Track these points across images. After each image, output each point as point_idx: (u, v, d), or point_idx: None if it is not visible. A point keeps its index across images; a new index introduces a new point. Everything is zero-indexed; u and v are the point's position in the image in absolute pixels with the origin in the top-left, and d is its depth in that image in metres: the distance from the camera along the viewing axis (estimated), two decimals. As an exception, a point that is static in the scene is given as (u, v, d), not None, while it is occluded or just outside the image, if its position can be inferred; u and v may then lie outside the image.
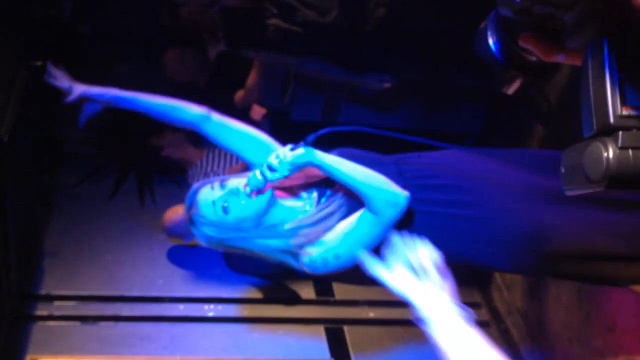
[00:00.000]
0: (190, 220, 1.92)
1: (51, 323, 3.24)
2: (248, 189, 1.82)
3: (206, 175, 3.74)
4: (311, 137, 1.78)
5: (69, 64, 4.33)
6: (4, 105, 2.98)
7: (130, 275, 3.51)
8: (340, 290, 3.62)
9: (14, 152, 3.06)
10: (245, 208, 1.83)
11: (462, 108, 3.66)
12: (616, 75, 0.94)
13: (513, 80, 1.39)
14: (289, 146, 1.79)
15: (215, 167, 3.85)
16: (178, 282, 3.51)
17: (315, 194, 1.92)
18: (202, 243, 1.96)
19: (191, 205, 1.91)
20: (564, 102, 3.22)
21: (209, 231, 1.89)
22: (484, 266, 2.01)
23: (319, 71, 3.18)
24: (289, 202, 1.91)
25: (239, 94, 3.93)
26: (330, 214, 1.86)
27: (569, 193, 1.03)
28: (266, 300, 3.52)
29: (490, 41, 1.30)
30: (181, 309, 3.39)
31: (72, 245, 3.60)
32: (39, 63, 3.43)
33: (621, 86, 0.94)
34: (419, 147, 1.94)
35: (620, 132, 0.94)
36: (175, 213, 3.51)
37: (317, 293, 3.60)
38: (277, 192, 1.90)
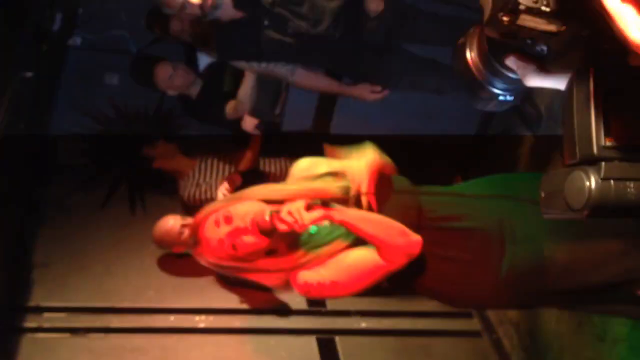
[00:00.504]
0: (196, 239, 1.90)
1: (40, 335, 3.22)
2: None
3: (198, 185, 3.72)
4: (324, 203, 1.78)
5: (59, 75, 4.37)
6: (-6, 116, 2.97)
7: (121, 286, 3.49)
8: (332, 301, 3.61)
9: (4, 163, 3.05)
10: (255, 245, 1.80)
11: (456, 111, 3.67)
12: (601, 106, 0.95)
13: (490, 98, 1.40)
14: (302, 202, 1.76)
15: (207, 178, 3.83)
16: (169, 293, 3.49)
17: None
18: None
19: (198, 228, 1.89)
20: (553, 110, 3.23)
21: (211, 257, 1.88)
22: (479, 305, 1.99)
23: (311, 83, 3.19)
24: None
25: (231, 105, 3.93)
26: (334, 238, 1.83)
27: (547, 217, 1.03)
28: (258, 311, 3.51)
29: (469, 58, 1.31)
30: (172, 320, 3.38)
31: (62, 256, 3.58)
32: (30, 74, 3.43)
33: (605, 117, 0.95)
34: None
35: (603, 163, 0.95)
36: (166, 223, 3.49)
37: (309, 303, 3.59)
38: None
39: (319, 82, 3.18)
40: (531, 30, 0.99)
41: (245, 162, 3.84)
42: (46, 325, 3.26)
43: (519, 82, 1.26)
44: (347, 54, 3.00)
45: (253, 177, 3.49)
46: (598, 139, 0.95)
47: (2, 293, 3.11)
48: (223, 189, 3.51)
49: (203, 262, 1.93)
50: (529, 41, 1.10)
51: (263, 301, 3.45)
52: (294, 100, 3.84)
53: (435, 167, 3.67)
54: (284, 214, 1.74)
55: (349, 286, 1.81)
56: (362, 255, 1.80)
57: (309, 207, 1.74)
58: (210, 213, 1.88)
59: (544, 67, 1.11)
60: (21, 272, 3.47)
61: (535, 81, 1.20)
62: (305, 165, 2.02)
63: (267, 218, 1.76)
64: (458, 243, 1.84)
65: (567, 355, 3.00)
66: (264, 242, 1.80)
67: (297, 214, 1.72)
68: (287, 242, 1.83)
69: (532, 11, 0.96)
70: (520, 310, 3.41)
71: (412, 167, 2.12)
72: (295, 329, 3.45)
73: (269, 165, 3.88)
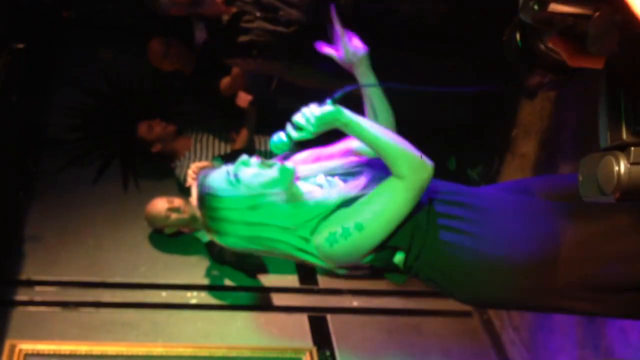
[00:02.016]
0: (201, 203, 1.71)
1: (31, 308, 3.21)
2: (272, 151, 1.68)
3: (194, 164, 3.71)
4: (337, 94, 1.66)
5: (52, 48, 4.33)
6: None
7: (113, 261, 3.48)
8: (324, 279, 3.61)
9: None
10: (256, 175, 1.67)
11: (451, 98, 3.66)
12: (632, 92, 0.97)
13: (538, 79, 1.42)
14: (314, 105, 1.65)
15: (203, 158, 3.82)
16: (161, 268, 3.49)
17: (337, 179, 1.77)
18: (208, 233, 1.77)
19: (202, 189, 1.71)
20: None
21: (218, 206, 1.68)
22: (483, 296, 1.81)
23: (305, 77, 3.15)
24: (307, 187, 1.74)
25: (225, 81, 3.91)
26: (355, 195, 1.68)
27: (586, 200, 1.06)
28: (250, 288, 3.51)
29: (518, 42, 1.33)
30: (164, 296, 3.38)
31: (54, 230, 3.57)
32: (22, 46, 3.40)
33: (635, 104, 0.97)
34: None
35: (632, 148, 0.97)
36: (161, 204, 3.49)
37: (301, 281, 3.60)
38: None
39: (314, 77, 3.12)
40: (563, 16, 1.01)
41: (240, 142, 3.82)
42: (37, 298, 3.25)
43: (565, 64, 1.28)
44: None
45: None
46: (628, 124, 0.98)
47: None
48: None
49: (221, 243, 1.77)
50: (565, 25, 1.11)
51: None
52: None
53: (431, 148, 3.67)
54: (295, 118, 1.64)
55: (376, 225, 1.65)
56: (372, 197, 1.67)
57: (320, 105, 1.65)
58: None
59: (586, 49, 1.12)
60: (13, 246, 3.46)
61: (580, 62, 1.22)
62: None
63: (284, 137, 1.66)
64: None
65: (558, 333, 3.02)
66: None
67: (309, 112, 1.63)
68: None
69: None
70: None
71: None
72: (287, 307, 3.46)
73: (264, 143, 3.87)
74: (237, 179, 1.66)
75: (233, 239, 1.70)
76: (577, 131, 2.99)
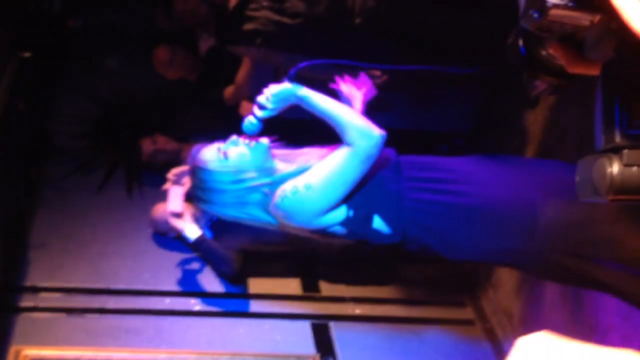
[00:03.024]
0: (192, 173, 1.98)
1: (36, 314, 3.23)
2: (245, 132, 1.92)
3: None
4: (293, 71, 1.90)
5: (58, 57, 4.37)
6: (-8, 95, 2.98)
7: (117, 268, 3.50)
8: (327, 287, 3.63)
9: (2, 143, 3.06)
10: (244, 155, 1.91)
11: (452, 105, 3.68)
12: (627, 96, 1.00)
13: (539, 83, 1.46)
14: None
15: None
16: (164, 275, 3.51)
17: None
18: (198, 204, 2.02)
19: (194, 161, 1.99)
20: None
21: (208, 178, 1.95)
22: (476, 257, 2.00)
23: (309, 68, 3.18)
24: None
25: (229, 90, 3.94)
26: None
27: (583, 200, 1.10)
28: (252, 295, 3.53)
29: (521, 47, 1.38)
30: (167, 303, 3.39)
31: (58, 237, 3.60)
32: (28, 54, 3.44)
33: (629, 108, 1.00)
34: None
35: (625, 151, 1.00)
36: (162, 209, 3.51)
37: (304, 289, 3.62)
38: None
39: (318, 68, 3.17)
40: (563, 24, 1.05)
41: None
42: (42, 305, 3.27)
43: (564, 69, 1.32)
44: (345, 37, 3.00)
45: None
46: (622, 127, 1.00)
47: (-1, 272, 3.13)
48: None
49: (208, 211, 2.06)
50: (564, 33, 1.15)
51: None
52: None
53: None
54: (259, 98, 1.92)
55: (325, 186, 1.86)
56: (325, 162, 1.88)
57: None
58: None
59: (584, 55, 1.16)
60: (18, 253, 3.48)
61: (577, 68, 1.26)
62: None
63: (253, 119, 1.93)
64: None
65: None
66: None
67: (269, 91, 1.91)
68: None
69: (560, 7, 1.01)
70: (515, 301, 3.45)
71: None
72: (290, 314, 3.47)
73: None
74: (225, 157, 1.91)
75: (218, 207, 1.95)
76: (579, 140, 3.01)
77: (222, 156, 1.91)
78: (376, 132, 1.85)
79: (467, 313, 3.63)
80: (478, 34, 2.97)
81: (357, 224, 1.90)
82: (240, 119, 3.89)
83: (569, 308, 2.97)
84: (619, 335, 2.69)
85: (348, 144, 1.84)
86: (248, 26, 2.96)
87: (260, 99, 1.90)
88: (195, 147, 2.02)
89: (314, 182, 1.84)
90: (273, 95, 1.88)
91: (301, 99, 1.89)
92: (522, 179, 1.93)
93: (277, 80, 3.67)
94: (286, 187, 1.87)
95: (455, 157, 2.05)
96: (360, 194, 1.89)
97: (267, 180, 1.90)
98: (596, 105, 1.04)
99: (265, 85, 3.72)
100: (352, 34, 2.99)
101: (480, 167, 1.99)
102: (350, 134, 1.84)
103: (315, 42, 2.98)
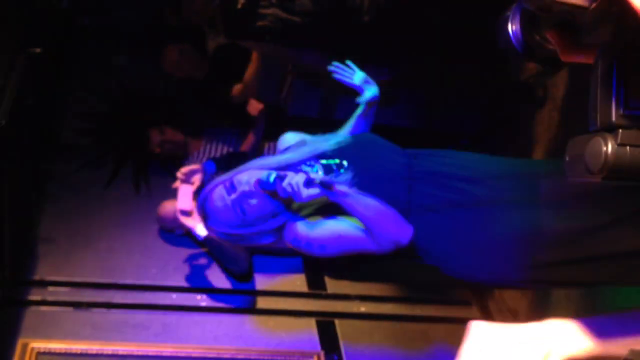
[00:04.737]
0: (204, 214, 1.97)
1: (44, 308, 3.25)
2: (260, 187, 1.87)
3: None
4: (328, 182, 1.81)
5: (67, 53, 4.39)
6: (2, 90, 2.99)
7: (124, 263, 3.52)
8: (333, 284, 3.64)
9: (12, 138, 3.07)
10: (261, 208, 1.89)
11: (459, 105, 3.69)
12: (623, 78, 1.01)
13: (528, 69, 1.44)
14: (303, 177, 1.80)
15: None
16: (171, 271, 3.53)
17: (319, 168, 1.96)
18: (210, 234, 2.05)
19: (205, 202, 1.97)
20: (558, 86, 3.23)
21: (221, 227, 1.96)
22: (477, 273, 1.95)
23: (317, 63, 3.20)
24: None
25: (237, 88, 3.96)
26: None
27: (570, 180, 1.10)
28: (258, 292, 3.54)
29: (510, 31, 1.36)
30: (174, 298, 3.41)
31: (66, 232, 3.62)
32: (38, 50, 3.45)
33: (626, 88, 1.01)
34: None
35: (620, 130, 1.01)
36: (170, 207, 3.53)
37: (310, 286, 3.63)
38: None
39: (325, 64, 3.18)
40: (563, 4, 1.05)
41: (245, 145, 3.87)
42: (50, 298, 3.30)
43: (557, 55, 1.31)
44: (353, 35, 3.01)
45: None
46: (617, 107, 1.01)
47: (8, 266, 3.14)
48: None
49: (214, 235, 2.04)
50: (564, 13, 1.14)
51: None
52: (299, 84, 3.86)
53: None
54: (285, 184, 1.81)
55: (338, 253, 1.92)
56: (348, 227, 1.88)
57: (308, 183, 1.79)
58: (216, 186, 1.96)
59: (578, 44, 1.16)
60: (27, 247, 3.51)
61: (571, 57, 1.25)
62: (290, 137, 2.16)
63: (272, 180, 1.83)
64: None
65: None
66: (269, 206, 1.89)
67: (296, 187, 1.79)
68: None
69: None
70: (519, 298, 3.45)
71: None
72: (295, 311, 3.48)
73: (273, 149, 3.91)
74: (242, 211, 1.88)
75: (225, 237, 1.99)
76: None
77: (238, 211, 1.90)
78: (405, 239, 1.86)
79: (473, 312, 3.63)
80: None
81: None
82: (247, 116, 3.94)
83: (574, 307, 2.98)
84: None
85: (375, 241, 1.86)
86: (257, 23, 2.98)
87: (287, 186, 1.82)
88: (205, 189, 2.00)
89: (329, 248, 1.90)
90: (308, 197, 1.81)
91: (335, 201, 1.86)
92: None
93: (284, 80, 3.71)
94: (300, 237, 1.91)
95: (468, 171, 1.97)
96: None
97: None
98: (591, 85, 1.04)
99: (273, 84, 3.76)
100: (361, 32, 3.00)
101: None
102: (380, 241, 1.86)
103: (323, 39, 3.00)
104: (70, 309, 3.26)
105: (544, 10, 1.10)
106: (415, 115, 3.94)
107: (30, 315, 3.20)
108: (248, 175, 1.91)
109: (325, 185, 1.79)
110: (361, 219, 1.84)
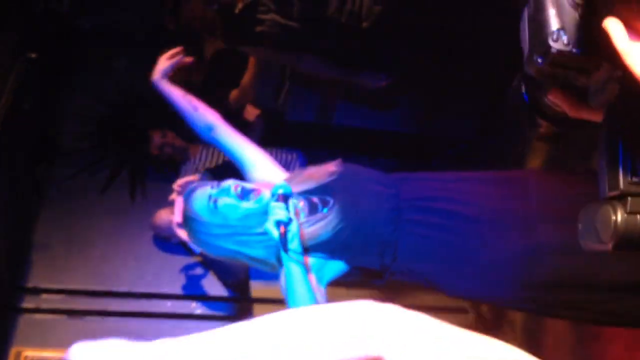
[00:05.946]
0: (184, 217, 1.95)
1: (38, 316, 3.24)
2: (239, 191, 1.88)
3: (197, 171, 3.74)
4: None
5: (65, 58, 4.38)
6: (-2, 95, 2.98)
7: (119, 271, 3.50)
8: (327, 291, 3.61)
9: (8, 143, 3.06)
10: (232, 207, 1.86)
11: (457, 110, 3.67)
12: (630, 143, 1.00)
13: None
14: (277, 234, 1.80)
15: (207, 165, 3.85)
16: (166, 278, 3.51)
17: (303, 204, 1.87)
18: (192, 242, 2.01)
19: (186, 202, 1.95)
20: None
21: (199, 227, 1.92)
22: (466, 295, 1.96)
23: (315, 69, 3.19)
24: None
25: (234, 94, 3.94)
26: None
27: (584, 248, 1.08)
28: (254, 300, 3.52)
29: (524, 94, 1.39)
30: (168, 306, 3.40)
31: (62, 238, 3.60)
32: (35, 55, 3.44)
33: (633, 155, 1.00)
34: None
35: (630, 198, 0.99)
36: (165, 216, 3.51)
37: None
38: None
39: (324, 68, 3.18)
40: (566, 70, 1.05)
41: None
42: (44, 306, 3.28)
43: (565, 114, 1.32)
44: (352, 40, 3.00)
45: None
46: (625, 175, 1.00)
47: (2, 273, 3.13)
48: None
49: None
50: (567, 78, 1.15)
51: None
52: (297, 90, 3.85)
53: (436, 163, 3.69)
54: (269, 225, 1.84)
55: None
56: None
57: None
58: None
59: (585, 102, 1.16)
60: (21, 253, 3.49)
61: (580, 114, 1.25)
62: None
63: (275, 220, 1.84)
64: None
65: (561, 353, 3.02)
66: None
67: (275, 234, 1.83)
68: None
69: (564, 53, 1.01)
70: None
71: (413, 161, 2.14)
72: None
73: (275, 155, 3.89)
74: (215, 206, 1.86)
75: (213, 249, 1.96)
76: (584, 149, 3.00)
77: (212, 206, 1.87)
78: None
79: (469, 320, 3.62)
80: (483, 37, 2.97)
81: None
82: (244, 122, 3.92)
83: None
84: (622, 345, 2.68)
85: None
86: (256, 29, 2.97)
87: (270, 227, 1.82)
88: (188, 186, 2.03)
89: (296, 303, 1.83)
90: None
91: None
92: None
93: (281, 86, 3.70)
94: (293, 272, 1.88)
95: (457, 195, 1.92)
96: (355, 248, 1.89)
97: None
98: (599, 151, 1.04)
99: (271, 90, 3.73)
100: (359, 38, 2.99)
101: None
102: None
103: (322, 44, 2.99)
104: (64, 316, 3.25)
105: (546, 77, 1.10)
106: (413, 121, 3.92)
107: (24, 323, 3.19)
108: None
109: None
110: None
